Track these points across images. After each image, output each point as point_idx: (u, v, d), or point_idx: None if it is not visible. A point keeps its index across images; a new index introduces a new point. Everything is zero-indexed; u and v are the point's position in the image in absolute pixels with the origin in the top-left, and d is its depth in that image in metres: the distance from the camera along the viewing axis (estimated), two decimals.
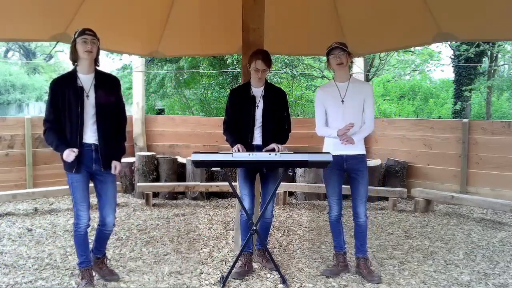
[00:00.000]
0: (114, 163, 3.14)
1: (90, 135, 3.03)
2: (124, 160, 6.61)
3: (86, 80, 3.03)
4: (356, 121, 3.39)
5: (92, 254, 3.33)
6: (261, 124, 3.47)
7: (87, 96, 3.00)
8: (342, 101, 3.39)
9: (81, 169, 3.04)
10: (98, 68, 3.12)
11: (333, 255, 3.60)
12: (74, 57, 3.01)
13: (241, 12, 3.79)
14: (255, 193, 3.57)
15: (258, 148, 3.46)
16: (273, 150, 3.33)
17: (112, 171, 3.14)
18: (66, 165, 3.05)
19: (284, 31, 4.97)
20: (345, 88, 3.40)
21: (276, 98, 3.53)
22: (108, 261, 3.44)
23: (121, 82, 3.35)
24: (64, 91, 2.98)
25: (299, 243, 4.33)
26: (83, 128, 3.00)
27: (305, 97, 12.96)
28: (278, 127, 3.53)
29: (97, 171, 3.10)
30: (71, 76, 3.03)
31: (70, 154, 2.92)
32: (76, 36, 2.97)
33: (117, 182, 6.02)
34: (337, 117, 3.41)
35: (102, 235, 3.29)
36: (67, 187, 5.91)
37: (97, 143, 3.05)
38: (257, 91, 3.51)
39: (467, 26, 4.33)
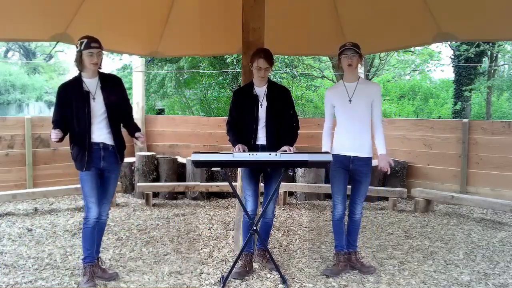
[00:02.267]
0: (138, 134, 3.30)
1: (98, 135, 3.19)
2: (124, 160, 6.61)
3: (91, 83, 3.18)
4: (364, 120, 3.41)
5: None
6: (265, 123, 3.44)
7: (94, 98, 3.16)
8: (350, 100, 3.40)
9: (90, 167, 3.18)
10: (100, 70, 3.26)
11: (334, 254, 3.61)
12: (81, 67, 3.15)
13: (241, 12, 3.78)
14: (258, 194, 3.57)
15: (263, 148, 3.44)
16: (284, 152, 3.28)
17: (139, 142, 3.39)
18: (76, 165, 3.22)
19: (284, 31, 4.96)
20: (353, 88, 3.42)
21: (280, 97, 3.51)
22: (102, 263, 3.43)
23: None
24: (71, 96, 3.14)
25: (299, 243, 4.33)
26: (91, 129, 3.15)
27: (305, 97, 12.98)
28: (285, 126, 3.49)
29: (105, 167, 3.25)
30: (77, 82, 3.18)
31: (53, 133, 3.04)
32: (82, 48, 3.08)
33: (117, 182, 6.09)
34: (345, 116, 3.43)
35: (98, 227, 3.30)
36: (67, 187, 5.99)
37: (107, 142, 3.22)
38: (260, 90, 3.49)
39: (467, 26, 4.33)
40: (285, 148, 3.35)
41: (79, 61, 3.12)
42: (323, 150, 3.47)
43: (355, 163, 3.42)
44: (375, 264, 3.72)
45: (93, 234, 3.25)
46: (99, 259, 3.41)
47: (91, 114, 3.13)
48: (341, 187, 3.48)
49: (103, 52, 3.21)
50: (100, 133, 3.19)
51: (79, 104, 3.11)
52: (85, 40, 3.08)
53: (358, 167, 3.42)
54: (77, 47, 3.11)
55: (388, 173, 3.46)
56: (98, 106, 3.15)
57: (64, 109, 3.13)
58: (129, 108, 3.43)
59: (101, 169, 3.24)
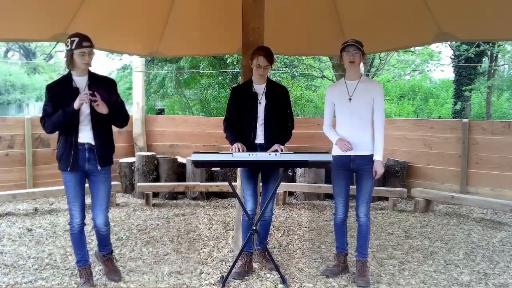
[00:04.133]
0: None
1: (84, 135, 3.08)
2: (124, 160, 6.63)
3: (80, 81, 3.09)
4: (364, 119, 3.33)
5: (97, 251, 3.41)
6: (263, 121, 3.44)
7: None
8: (350, 99, 3.34)
9: (75, 168, 3.07)
10: (91, 70, 3.15)
11: (334, 255, 3.60)
12: (71, 66, 3.05)
13: (241, 12, 3.78)
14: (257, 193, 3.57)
15: (261, 147, 3.44)
16: (276, 151, 3.29)
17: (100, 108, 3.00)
18: (60, 164, 3.11)
19: (284, 31, 4.96)
20: (354, 87, 3.34)
21: (278, 95, 3.51)
22: (115, 260, 3.45)
23: (121, 82, 3.40)
24: (60, 93, 3.04)
25: (299, 243, 4.33)
26: (78, 128, 3.05)
27: (304, 97, 12.97)
28: (281, 125, 3.51)
29: (90, 170, 3.13)
30: (67, 79, 3.08)
31: (77, 100, 2.92)
32: (73, 47, 2.96)
33: (117, 182, 6.09)
34: (345, 115, 3.37)
35: (99, 235, 3.31)
36: None
37: (92, 142, 3.09)
38: (259, 88, 3.49)
39: (467, 26, 4.33)
40: (276, 147, 3.34)
41: (70, 61, 3.02)
42: (334, 140, 3.36)
43: (356, 162, 3.35)
44: (374, 264, 3.72)
45: (81, 239, 3.19)
46: (113, 257, 3.43)
47: (79, 112, 3.01)
48: (342, 189, 3.43)
49: (103, 52, 3.15)
50: (87, 134, 3.06)
51: (69, 101, 2.97)
52: (77, 39, 2.96)
53: (359, 165, 3.35)
54: (67, 45, 2.99)
55: (375, 178, 3.40)
56: (84, 106, 3.02)
57: (55, 107, 3.01)
58: (123, 111, 3.24)
59: (87, 172, 3.12)
